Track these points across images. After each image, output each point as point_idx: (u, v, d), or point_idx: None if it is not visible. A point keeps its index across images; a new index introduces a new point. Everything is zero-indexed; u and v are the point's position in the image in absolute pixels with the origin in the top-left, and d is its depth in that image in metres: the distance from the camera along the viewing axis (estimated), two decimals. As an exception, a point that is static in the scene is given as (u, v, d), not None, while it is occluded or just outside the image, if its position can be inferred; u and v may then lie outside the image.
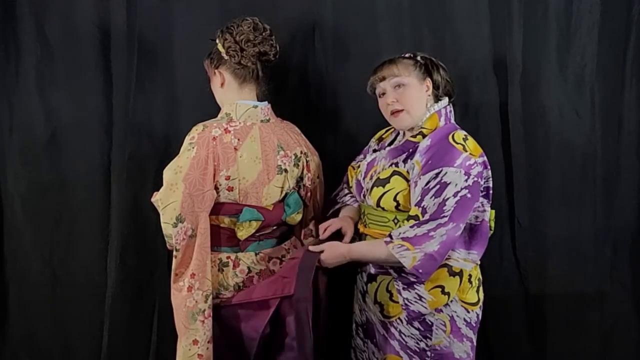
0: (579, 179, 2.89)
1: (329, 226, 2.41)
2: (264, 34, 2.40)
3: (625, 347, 2.97)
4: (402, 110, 2.28)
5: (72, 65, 2.86)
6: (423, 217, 2.14)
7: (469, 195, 2.15)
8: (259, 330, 2.28)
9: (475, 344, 2.33)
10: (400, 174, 2.25)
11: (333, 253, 2.25)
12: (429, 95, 2.31)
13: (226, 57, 2.41)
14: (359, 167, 2.47)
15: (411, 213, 2.18)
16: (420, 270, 2.13)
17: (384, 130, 2.51)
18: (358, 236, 2.43)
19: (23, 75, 2.88)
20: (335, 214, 2.54)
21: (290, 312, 2.21)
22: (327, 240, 2.36)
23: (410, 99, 2.28)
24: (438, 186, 2.14)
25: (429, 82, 2.30)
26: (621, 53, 2.86)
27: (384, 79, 2.29)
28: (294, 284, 2.19)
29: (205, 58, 2.50)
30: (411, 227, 2.14)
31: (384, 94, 2.31)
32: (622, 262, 2.94)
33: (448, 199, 2.13)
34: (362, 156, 2.53)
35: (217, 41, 2.43)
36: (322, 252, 2.25)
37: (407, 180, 2.23)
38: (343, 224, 2.42)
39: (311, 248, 2.27)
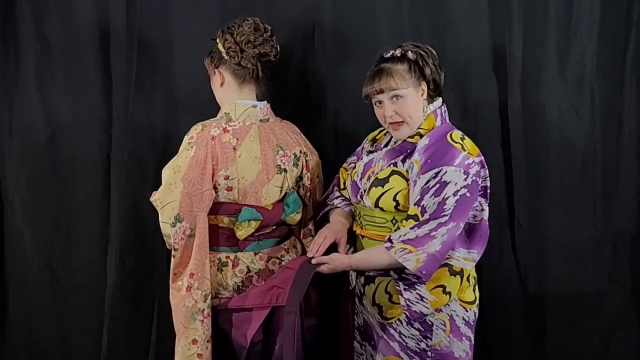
0: (579, 179, 2.89)
1: (323, 241, 2.33)
2: (265, 35, 2.40)
3: (625, 347, 2.96)
4: (402, 123, 2.27)
5: (72, 65, 2.87)
6: (423, 216, 2.13)
7: (468, 195, 2.15)
8: (249, 338, 2.27)
9: (473, 342, 2.33)
10: (399, 173, 2.25)
11: (338, 267, 2.23)
12: (425, 100, 2.30)
13: (226, 58, 2.41)
14: (353, 168, 2.45)
15: (410, 212, 2.17)
16: (424, 272, 2.12)
17: (377, 132, 2.50)
18: (354, 239, 2.42)
19: (23, 75, 2.88)
20: (325, 217, 2.52)
21: (283, 322, 2.21)
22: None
23: (409, 109, 2.26)
24: (438, 185, 2.13)
25: (424, 85, 2.28)
26: (621, 53, 2.86)
27: (382, 92, 2.26)
28: (287, 295, 2.19)
29: (206, 57, 2.50)
30: (411, 228, 2.14)
31: (380, 103, 2.29)
32: (622, 262, 2.94)
33: (448, 198, 2.12)
34: (355, 158, 2.51)
35: (218, 41, 2.43)
36: (320, 265, 2.22)
37: (407, 180, 2.23)
38: (337, 235, 2.36)
39: (313, 261, 2.25)
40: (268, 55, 2.42)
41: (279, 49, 2.45)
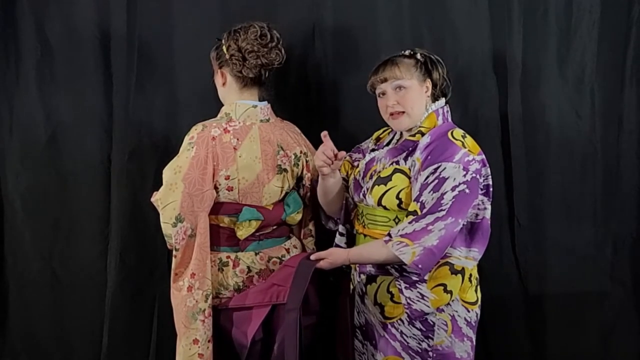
0: (579, 179, 2.89)
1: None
2: (270, 44, 2.39)
3: (625, 347, 2.96)
4: (402, 113, 2.28)
5: (72, 65, 2.87)
6: (421, 212, 2.14)
7: (467, 191, 2.15)
8: (249, 336, 2.27)
9: (474, 343, 2.33)
10: (401, 171, 2.25)
11: (336, 261, 2.24)
12: (428, 97, 2.32)
13: (229, 62, 2.41)
14: (356, 167, 2.46)
15: (410, 209, 2.18)
16: (420, 266, 2.12)
17: (381, 130, 2.51)
18: (355, 237, 2.43)
19: (23, 75, 2.89)
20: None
21: (282, 320, 2.21)
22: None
23: (412, 101, 2.27)
24: (436, 181, 2.14)
25: (428, 82, 2.31)
26: (621, 53, 2.86)
27: (385, 80, 2.29)
28: (287, 292, 2.19)
29: (213, 50, 2.50)
30: (409, 222, 2.14)
31: (384, 94, 2.31)
32: (622, 262, 2.93)
33: (446, 193, 2.13)
34: (360, 155, 2.51)
35: (223, 42, 2.43)
36: (318, 260, 2.22)
37: (409, 178, 2.23)
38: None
39: (312, 257, 2.25)
40: (272, 64, 2.42)
41: (284, 54, 2.44)
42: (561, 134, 2.87)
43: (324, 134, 2.25)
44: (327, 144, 2.25)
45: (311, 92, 2.88)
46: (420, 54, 2.33)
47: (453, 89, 2.39)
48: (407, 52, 2.34)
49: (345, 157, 2.32)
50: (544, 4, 2.83)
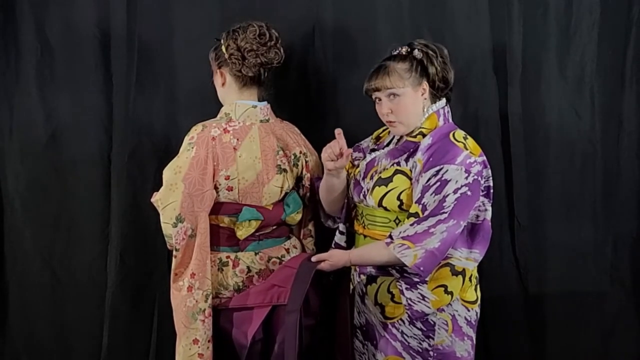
0: (579, 179, 2.89)
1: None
2: (269, 43, 2.39)
3: (625, 347, 2.96)
4: (396, 121, 2.28)
5: (72, 65, 2.87)
6: (423, 214, 2.14)
7: (469, 193, 2.15)
8: (249, 337, 2.27)
9: (474, 342, 2.33)
10: (403, 172, 2.25)
11: (338, 263, 2.23)
12: (425, 99, 2.29)
13: (228, 62, 2.41)
14: (357, 167, 2.46)
15: (411, 210, 2.17)
16: (422, 268, 2.12)
17: (381, 130, 2.51)
18: (354, 238, 2.42)
19: (23, 75, 2.88)
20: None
21: (283, 320, 2.20)
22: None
23: (405, 109, 2.26)
24: (438, 183, 2.14)
25: (425, 84, 2.28)
26: (621, 53, 2.86)
27: (377, 90, 2.27)
28: (288, 293, 2.19)
29: (212, 51, 2.50)
30: (411, 225, 2.14)
31: (379, 100, 2.30)
32: (622, 262, 2.93)
33: (448, 195, 2.12)
34: (361, 154, 2.50)
35: (222, 42, 2.43)
36: (319, 262, 2.22)
37: (410, 179, 2.23)
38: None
39: (313, 258, 2.25)
40: (271, 63, 2.42)
41: (283, 54, 2.44)
42: (561, 134, 2.87)
43: (338, 132, 2.24)
44: (338, 141, 2.24)
45: (311, 92, 2.88)
46: (418, 50, 2.28)
47: (453, 89, 2.39)
48: (403, 51, 2.30)
49: (350, 155, 2.30)
50: (544, 4, 2.83)
